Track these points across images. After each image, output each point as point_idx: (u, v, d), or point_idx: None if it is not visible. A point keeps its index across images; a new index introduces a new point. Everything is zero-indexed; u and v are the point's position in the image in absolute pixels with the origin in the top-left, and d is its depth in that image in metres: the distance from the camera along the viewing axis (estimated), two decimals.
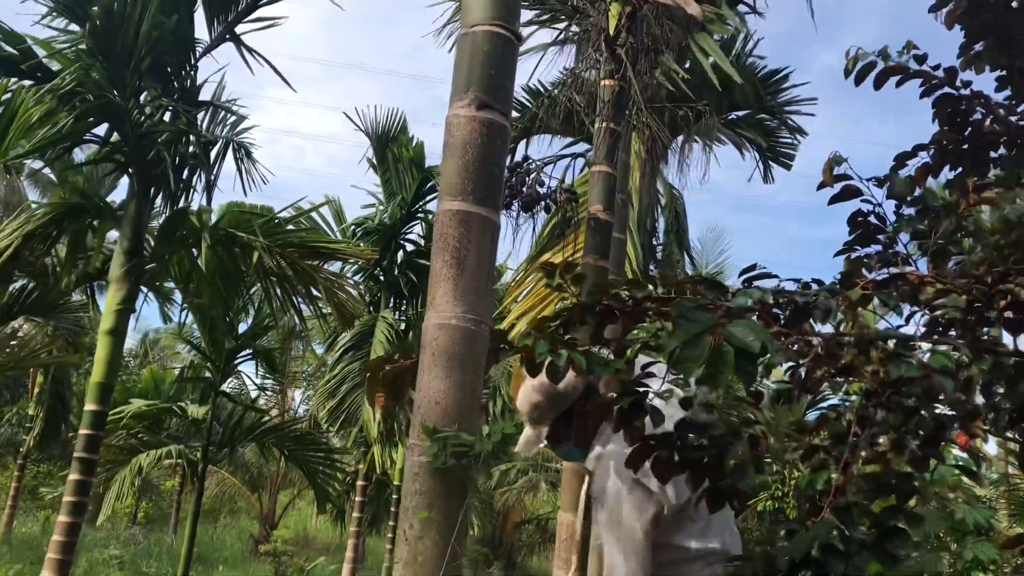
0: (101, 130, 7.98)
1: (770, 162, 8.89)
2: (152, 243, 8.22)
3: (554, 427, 2.39)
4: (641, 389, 1.86)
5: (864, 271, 1.92)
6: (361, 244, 12.44)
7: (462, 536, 2.34)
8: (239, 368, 17.92)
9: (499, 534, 21.07)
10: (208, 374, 10.50)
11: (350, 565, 13.33)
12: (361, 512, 13.47)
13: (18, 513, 17.84)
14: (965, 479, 7.45)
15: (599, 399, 2.20)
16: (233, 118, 8.58)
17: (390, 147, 13.41)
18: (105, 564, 14.00)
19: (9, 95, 7.27)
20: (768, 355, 1.62)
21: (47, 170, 12.84)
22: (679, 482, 2.25)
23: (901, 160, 2.06)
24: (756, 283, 1.81)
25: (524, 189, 4.44)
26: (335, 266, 10.83)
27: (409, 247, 13.53)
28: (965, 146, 2.13)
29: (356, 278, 13.64)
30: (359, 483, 13.47)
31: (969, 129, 2.11)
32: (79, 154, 10.82)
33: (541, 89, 7.52)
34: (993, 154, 2.15)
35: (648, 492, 2.27)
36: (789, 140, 8.72)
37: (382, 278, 13.59)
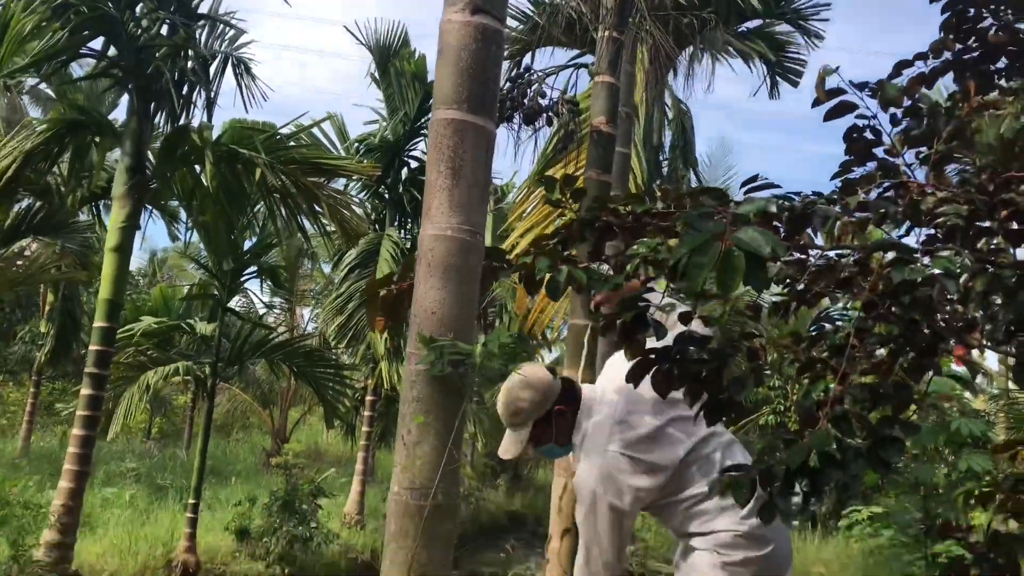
0: (97, 45, 7.85)
1: (778, 77, 8.70)
2: (154, 161, 8.17)
3: (535, 429, 2.44)
4: (642, 304, 1.86)
5: (869, 183, 1.89)
6: (364, 161, 12.34)
7: (459, 441, 2.39)
8: (246, 285, 18.04)
9: None
10: (215, 292, 10.56)
11: (360, 477, 13.68)
12: (370, 427, 13.75)
13: (36, 428, 18.26)
14: (959, 389, 7.53)
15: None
16: (232, 32, 8.41)
17: (392, 62, 13.15)
18: (122, 476, 14.40)
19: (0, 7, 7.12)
20: (778, 259, 1.61)
21: (47, 87, 12.67)
22: (655, 465, 2.33)
23: (899, 69, 1.99)
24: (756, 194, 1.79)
25: (526, 101, 4.37)
26: (339, 183, 10.78)
27: (413, 164, 13.41)
28: (967, 56, 2.05)
29: (360, 195, 13.58)
30: (368, 398, 13.71)
31: (974, 38, 2.03)
32: (78, 71, 10.67)
33: None
34: (997, 65, 2.08)
35: (619, 491, 2.34)
36: (798, 56, 8.52)
37: (386, 196, 13.52)
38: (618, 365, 2.64)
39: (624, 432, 2.35)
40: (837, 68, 1.94)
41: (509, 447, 2.44)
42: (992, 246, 2.07)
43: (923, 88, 1.97)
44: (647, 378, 2.48)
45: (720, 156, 14.31)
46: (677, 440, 2.38)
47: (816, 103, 1.96)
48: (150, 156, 8.18)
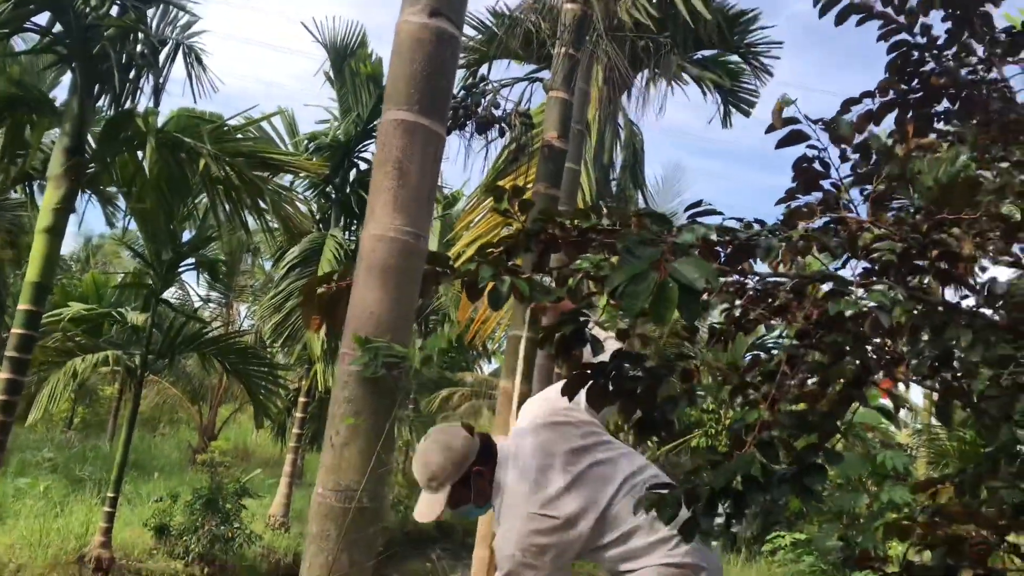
0: (43, 20, 7.61)
1: (731, 106, 8.88)
2: (94, 143, 7.95)
3: (452, 491, 2.38)
4: (582, 318, 1.87)
5: (810, 216, 1.94)
6: (313, 159, 12.19)
7: (389, 445, 2.35)
8: (182, 277, 17.64)
9: None
10: (150, 281, 10.30)
11: (287, 479, 13.46)
12: (301, 428, 13.55)
13: None
14: (885, 422, 7.75)
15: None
16: (185, 19, 8.24)
17: (348, 62, 13.05)
18: (37, 466, 13.89)
19: None
20: (712, 292, 1.63)
21: None
22: (575, 516, 2.33)
23: (847, 106, 2.06)
24: (699, 220, 1.81)
25: (479, 110, 4.37)
26: (286, 180, 10.64)
27: (363, 165, 13.30)
28: (911, 96, 2.12)
29: (307, 194, 13.42)
30: (301, 400, 13.51)
31: (916, 80, 2.10)
32: (20, 44, 10.34)
33: (506, 10, 7.36)
34: (938, 108, 2.16)
35: (539, 552, 2.31)
36: (751, 86, 8.71)
37: (333, 195, 13.39)
38: (533, 411, 2.61)
39: (538, 491, 2.32)
40: (795, 100, 1.99)
41: (425, 511, 2.38)
42: (923, 284, 2.14)
43: (871, 124, 2.03)
44: (562, 426, 2.50)
45: (672, 180, 14.42)
46: (601, 482, 2.37)
47: (771, 129, 2.00)
48: (90, 139, 7.95)
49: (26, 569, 8.44)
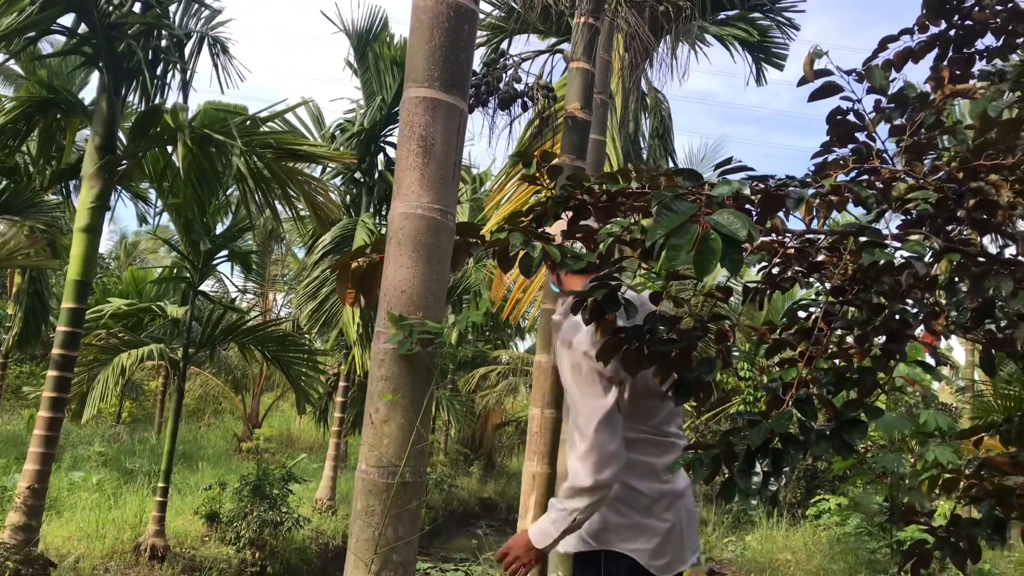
0: (68, 21, 7.71)
1: (762, 62, 8.69)
2: (125, 141, 8.06)
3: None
4: (614, 282, 1.86)
5: (840, 168, 1.90)
6: (340, 148, 12.24)
7: (427, 420, 2.38)
8: (218, 269, 17.86)
9: (480, 436, 21.58)
10: (187, 274, 10.45)
11: (332, 463, 13.64)
12: (343, 412, 13.70)
13: (2, 411, 18.01)
14: (926, 376, 7.62)
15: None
16: (208, 12, 8.29)
17: (371, 47, 13.04)
18: (88, 460, 14.25)
19: None
20: (753, 243, 1.62)
21: (15, 65, 12.42)
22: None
23: (884, 44, 1.99)
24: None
25: (501, 86, 4.35)
26: (315, 170, 10.71)
27: (390, 150, 13.33)
28: (952, 32, 2.05)
29: (336, 181, 13.49)
30: (340, 384, 13.66)
31: (956, 16, 2.03)
32: (47, 47, 10.48)
33: None
34: (980, 44, 2.08)
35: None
36: (781, 40, 8.51)
37: (362, 181, 13.45)
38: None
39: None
40: (827, 51, 1.95)
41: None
42: (963, 235, 2.10)
43: (909, 62, 1.97)
44: None
45: (710, 151, 14.13)
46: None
47: (803, 81, 1.96)
48: (121, 136, 8.06)
49: (85, 559, 8.66)
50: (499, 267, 1.90)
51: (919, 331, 1.94)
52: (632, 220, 1.79)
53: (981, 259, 1.92)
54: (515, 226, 1.85)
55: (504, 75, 4.43)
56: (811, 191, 1.67)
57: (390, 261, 2.40)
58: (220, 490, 10.63)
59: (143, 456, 15.21)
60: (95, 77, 8.22)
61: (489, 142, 5.94)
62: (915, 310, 1.87)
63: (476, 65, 4.54)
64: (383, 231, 11.88)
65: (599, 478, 2.15)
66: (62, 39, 8.34)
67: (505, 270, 1.92)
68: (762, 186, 1.68)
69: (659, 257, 1.56)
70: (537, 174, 1.89)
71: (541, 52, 5.55)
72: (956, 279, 2.02)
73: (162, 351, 10.65)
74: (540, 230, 1.85)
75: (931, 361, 1.99)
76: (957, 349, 18.46)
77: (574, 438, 2.20)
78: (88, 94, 12.10)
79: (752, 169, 1.80)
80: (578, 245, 1.93)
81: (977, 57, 2.14)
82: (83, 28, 7.65)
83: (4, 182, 9.38)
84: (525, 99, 4.50)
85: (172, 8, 8.02)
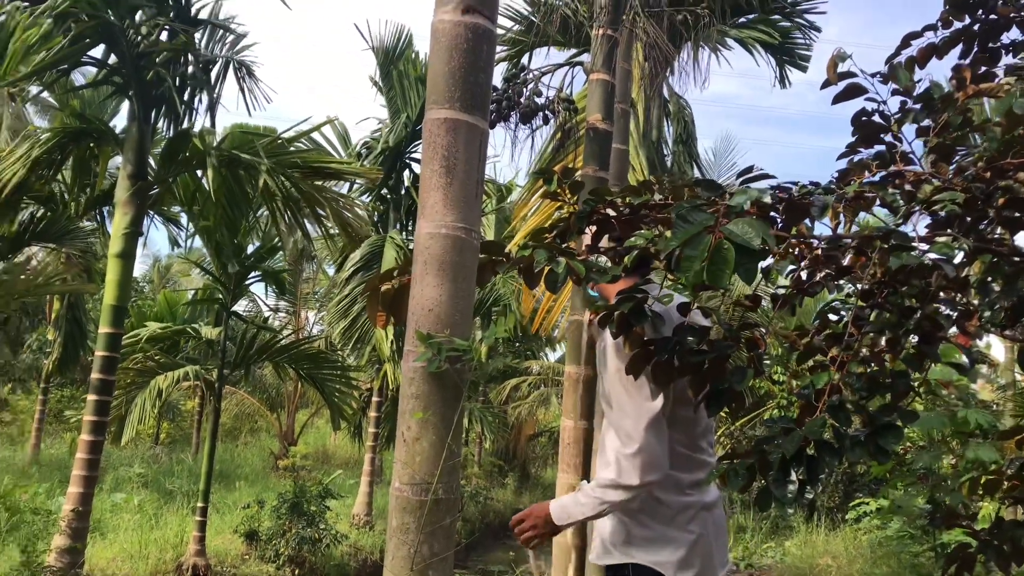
0: (98, 52, 7.88)
1: (785, 64, 8.61)
2: (156, 166, 8.20)
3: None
4: (640, 295, 1.87)
5: (863, 171, 1.89)
6: (367, 164, 12.35)
7: (458, 436, 2.39)
8: (250, 289, 18.12)
9: (513, 447, 21.56)
10: (220, 296, 10.60)
11: (368, 478, 13.71)
12: (377, 428, 13.77)
13: (45, 435, 18.34)
14: (963, 379, 7.48)
15: None
16: (232, 36, 8.43)
17: (395, 64, 13.17)
18: (129, 481, 14.46)
19: (3, 18, 7.14)
20: (768, 253, 1.61)
21: (49, 96, 12.72)
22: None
23: (907, 40, 1.97)
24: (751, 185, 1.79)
25: (522, 100, 4.37)
26: (343, 188, 10.82)
27: (415, 167, 13.43)
28: (977, 26, 2.02)
29: (364, 198, 13.61)
30: (374, 399, 13.74)
31: (981, 11, 2.00)
32: (79, 79, 10.72)
33: None
34: (1005, 38, 2.04)
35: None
36: (803, 40, 8.43)
37: (389, 197, 13.56)
38: None
39: None
40: (851, 54, 1.94)
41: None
42: (995, 234, 2.06)
43: (934, 58, 1.94)
44: None
45: (723, 152, 14.12)
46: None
47: (826, 84, 1.95)
48: (151, 162, 8.21)
49: None
50: (525, 283, 1.91)
51: (952, 332, 1.92)
52: (656, 232, 1.79)
53: (1016, 258, 1.89)
54: (539, 242, 1.86)
55: (525, 89, 4.46)
56: (834, 197, 1.66)
57: (417, 281, 2.43)
58: (258, 508, 10.72)
59: (182, 476, 15.39)
60: (125, 105, 8.39)
61: (512, 156, 5.96)
62: (947, 311, 1.85)
63: (496, 80, 4.57)
64: (411, 247, 11.97)
65: (646, 479, 2.15)
66: (93, 70, 8.53)
67: (531, 286, 1.93)
68: (785, 195, 1.68)
69: (676, 268, 1.57)
70: (558, 190, 1.90)
71: (560, 65, 5.58)
72: (989, 279, 2.00)
73: (197, 372, 10.80)
74: (565, 245, 1.86)
75: (965, 361, 1.96)
76: (996, 347, 18.13)
77: (613, 439, 2.19)
78: (119, 122, 12.34)
79: (774, 177, 1.80)
80: (603, 258, 1.93)
81: (1003, 52, 2.11)
82: (113, 59, 7.82)
83: (41, 210, 9.60)
84: (546, 112, 4.53)
85: (198, 35, 8.17)
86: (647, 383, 2.16)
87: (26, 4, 7.19)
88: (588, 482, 2.31)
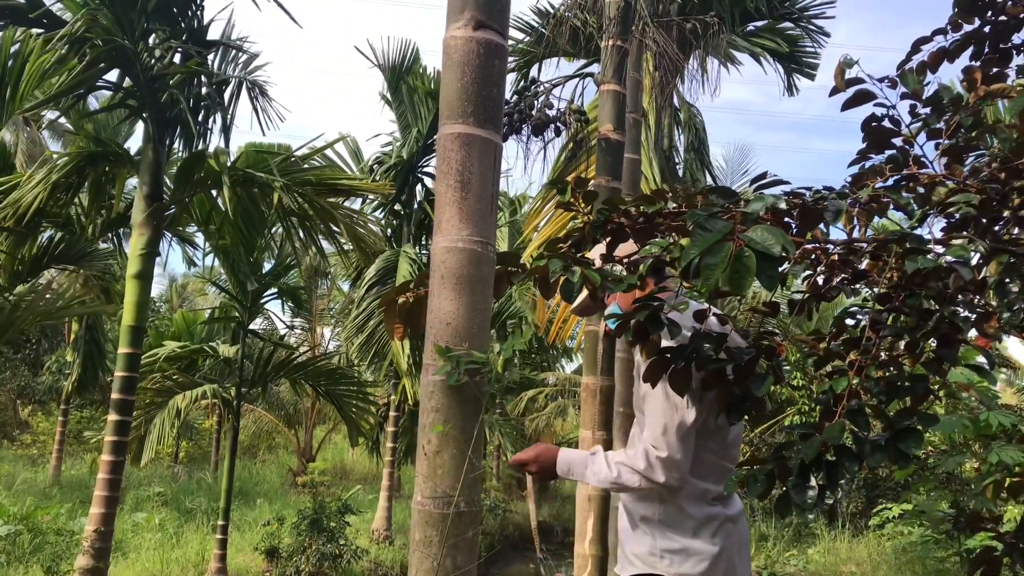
0: (113, 76, 7.98)
1: (794, 72, 8.63)
2: (171, 186, 8.28)
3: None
4: (656, 303, 1.87)
5: (876, 176, 1.89)
6: (379, 179, 12.42)
7: (479, 449, 2.40)
8: (266, 307, 18.15)
9: None
10: (237, 314, 10.66)
11: (386, 493, 13.72)
12: (395, 442, 13.79)
13: (65, 456, 18.47)
14: (983, 381, 7.42)
15: None
16: (245, 56, 8.52)
17: (404, 80, 13.25)
18: (149, 500, 14.53)
19: (18, 45, 7.25)
20: (788, 260, 1.61)
21: (65, 121, 12.88)
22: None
23: (917, 46, 1.97)
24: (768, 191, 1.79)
25: (534, 112, 4.40)
26: (355, 203, 10.88)
27: (427, 180, 13.49)
28: (987, 28, 2.02)
29: (377, 214, 13.68)
30: (391, 414, 13.76)
31: (990, 12, 2.00)
32: (94, 103, 10.85)
33: (550, 8, 7.37)
34: (1016, 39, 2.04)
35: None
36: (811, 48, 8.46)
37: (402, 212, 13.62)
38: None
39: None
40: (857, 60, 1.94)
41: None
42: (1012, 235, 2.05)
43: (945, 62, 1.94)
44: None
45: (737, 160, 14.12)
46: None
47: (835, 91, 1.95)
48: (167, 182, 8.29)
49: None
50: (540, 294, 1.92)
51: (971, 334, 1.91)
52: (671, 241, 1.80)
53: None
54: (554, 252, 1.87)
55: (536, 101, 4.48)
56: (848, 201, 1.66)
57: (434, 294, 2.45)
58: (278, 525, 10.75)
59: (201, 495, 15.45)
60: (140, 127, 8.48)
61: (524, 168, 5.99)
62: (965, 313, 1.85)
63: (507, 93, 4.60)
64: (425, 261, 12.02)
65: (669, 480, 2.22)
66: (107, 93, 8.63)
67: (547, 297, 1.94)
68: (799, 200, 1.68)
69: (697, 277, 1.57)
70: (572, 200, 1.91)
71: (571, 76, 5.61)
72: (1006, 280, 1.99)
73: (215, 391, 10.85)
74: (580, 255, 1.87)
75: (985, 364, 1.96)
76: (1013, 348, 17.93)
77: (648, 435, 2.24)
78: (134, 144, 12.48)
79: (788, 183, 1.80)
80: (618, 268, 1.94)
81: (1014, 52, 2.11)
82: (127, 82, 7.91)
83: (59, 233, 9.70)
84: (558, 124, 4.55)
85: (211, 56, 8.26)
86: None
87: (41, 32, 7.30)
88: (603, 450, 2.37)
